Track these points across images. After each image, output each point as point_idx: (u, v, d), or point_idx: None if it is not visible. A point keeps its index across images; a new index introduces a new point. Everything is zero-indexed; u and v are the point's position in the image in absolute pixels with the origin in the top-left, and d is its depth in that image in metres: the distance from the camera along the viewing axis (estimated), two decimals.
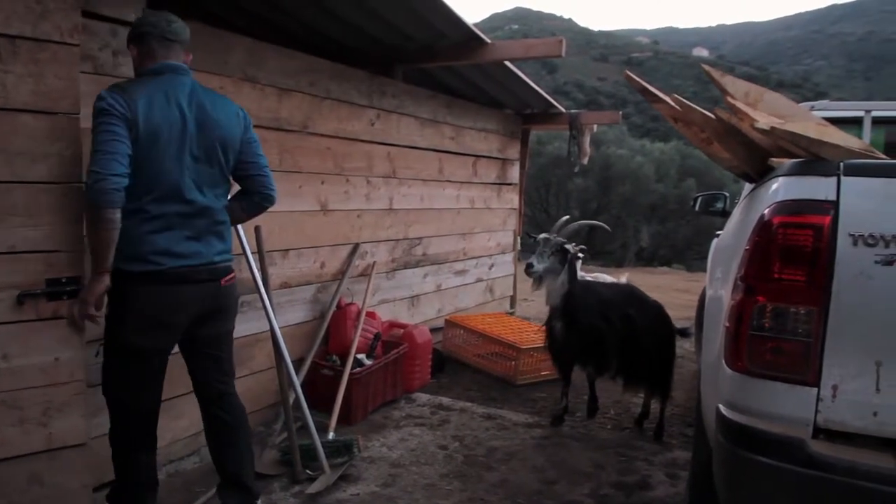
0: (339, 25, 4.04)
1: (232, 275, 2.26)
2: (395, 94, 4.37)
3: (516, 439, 3.44)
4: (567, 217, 3.68)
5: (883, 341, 1.54)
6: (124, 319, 2.04)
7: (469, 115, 5.35)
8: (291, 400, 2.98)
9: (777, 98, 2.10)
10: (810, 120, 2.02)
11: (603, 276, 5.67)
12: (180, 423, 2.86)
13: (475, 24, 4.04)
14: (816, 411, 1.56)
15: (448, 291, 5.32)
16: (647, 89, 2.33)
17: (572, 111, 6.45)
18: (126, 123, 1.91)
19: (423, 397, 4.05)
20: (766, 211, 1.65)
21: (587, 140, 6.31)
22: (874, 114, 3.42)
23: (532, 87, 5.46)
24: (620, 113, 6.67)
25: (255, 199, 2.32)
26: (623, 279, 5.36)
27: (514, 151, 6.24)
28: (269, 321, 2.85)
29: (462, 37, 4.16)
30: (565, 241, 3.39)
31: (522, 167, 6.51)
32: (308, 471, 2.85)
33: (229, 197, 2.29)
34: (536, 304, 6.04)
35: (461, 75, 5.24)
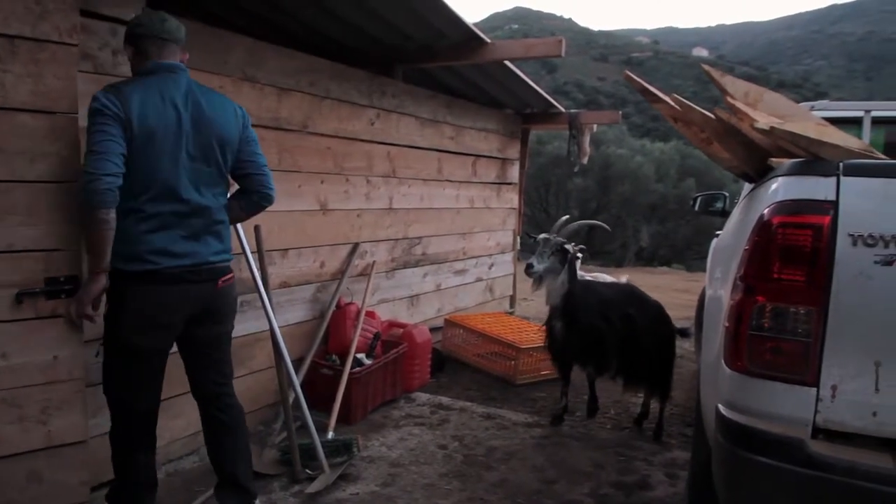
0: (339, 25, 4.04)
1: (230, 276, 2.25)
2: (395, 94, 4.37)
3: (516, 439, 3.44)
4: (567, 217, 3.68)
5: (882, 341, 1.54)
6: (122, 319, 2.04)
7: (469, 115, 5.35)
8: (291, 399, 2.98)
9: (777, 98, 2.11)
10: (810, 120, 2.02)
11: (602, 275, 5.67)
12: (179, 422, 2.86)
13: (475, 24, 4.04)
14: (816, 411, 1.56)
15: (448, 291, 5.32)
16: (646, 89, 2.32)
17: (572, 111, 6.45)
18: (120, 123, 1.91)
19: (422, 397, 4.05)
20: (765, 211, 1.65)
21: (587, 140, 6.31)
22: (874, 114, 3.42)
23: (532, 87, 5.46)
24: (620, 113, 6.67)
25: (253, 199, 2.31)
26: (623, 279, 5.36)
27: (513, 151, 6.24)
28: (268, 321, 2.86)
29: (462, 37, 4.16)
30: (565, 241, 3.39)
31: (522, 167, 6.51)
32: (307, 470, 2.85)
33: (228, 196, 2.28)
34: (536, 304, 6.04)
35: (461, 75, 5.24)
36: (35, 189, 1.96)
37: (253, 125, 2.33)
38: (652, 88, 2.33)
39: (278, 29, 4.08)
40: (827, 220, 1.56)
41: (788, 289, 1.60)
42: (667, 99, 2.33)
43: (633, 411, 3.91)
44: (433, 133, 4.87)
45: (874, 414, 1.54)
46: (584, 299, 3.42)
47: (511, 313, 6.22)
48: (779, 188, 1.67)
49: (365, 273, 4.21)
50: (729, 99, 1.94)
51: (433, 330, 4.56)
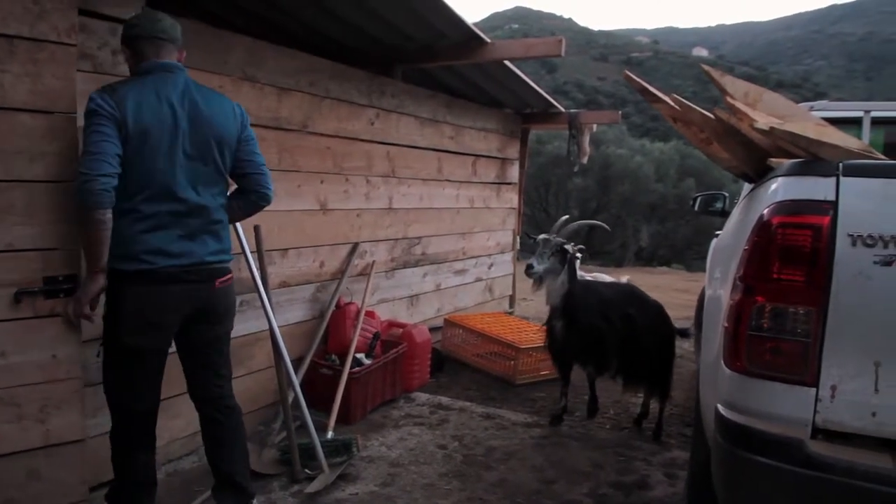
0: (339, 25, 4.04)
1: (227, 277, 2.24)
2: (394, 94, 4.37)
3: (515, 439, 3.44)
4: (566, 217, 3.68)
5: (882, 342, 1.54)
6: (120, 319, 2.04)
7: (469, 115, 5.35)
8: (290, 399, 2.98)
9: (776, 98, 2.11)
10: (809, 120, 2.02)
11: (602, 275, 5.67)
12: (179, 422, 2.86)
13: (475, 24, 4.04)
14: (815, 411, 1.56)
15: (447, 291, 5.32)
16: (646, 89, 2.32)
17: (572, 111, 6.45)
18: (115, 123, 1.91)
19: (422, 397, 4.05)
20: (765, 211, 1.65)
21: (587, 139, 6.31)
22: (873, 114, 3.42)
23: (532, 87, 5.46)
24: (620, 112, 6.67)
25: (251, 198, 2.30)
26: (624, 279, 5.36)
27: (513, 151, 6.24)
28: (268, 320, 2.85)
29: (462, 36, 4.16)
30: (565, 241, 3.39)
31: (522, 166, 6.50)
32: (307, 470, 2.85)
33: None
34: (535, 304, 6.04)
35: (461, 75, 5.24)
36: (34, 189, 1.96)
37: (253, 125, 2.32)
38: (651, 88, 2.33)
39: (278, 29, 4.08)
40: (826, 220, 1.56)
41: (788, 289, 1.60)
42: (666, 99, 2.33)
43: (632, 411, 3.91)
44: (433, 133, 4.87)
45: (873, 414, 1.54)
46: (584, 299, 3.42)
47: (510, 313, 6.22)
48: (778, 188, 1.67)
49: (364, 273, 4.21)
50: (728, 99, 1.94)
51: (433, 330, 4.56)
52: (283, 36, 4.02)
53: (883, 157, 1.91)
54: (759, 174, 2.11)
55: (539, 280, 3.39)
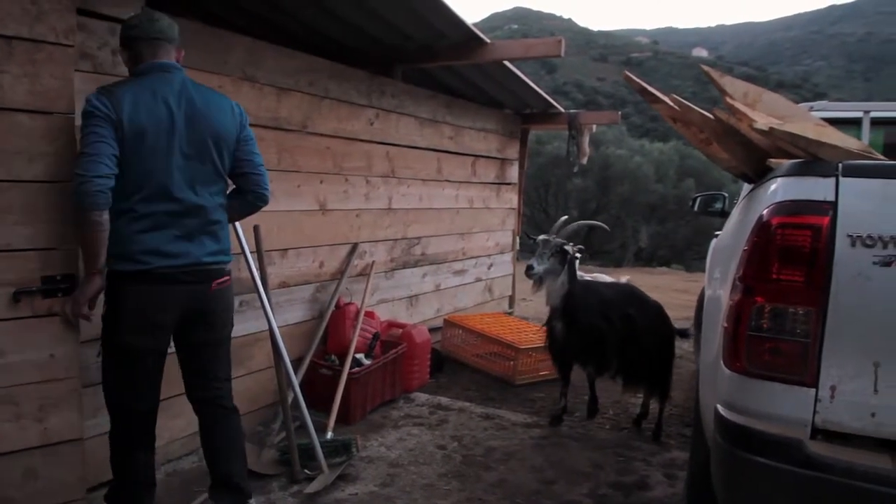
0: (339, 25, 4.04)
1: (225, 278, 2.22)
2: (394, 94, 4.37)
3: (515, 439, 3.44)
4: (566, 217, 3.68)
5: (881, 342, 1.54)
6: (117, 319, 2.04)
7: (468, 115, 5.35)
8: (290, 399, 2.98)
9: (776, 98, 2.10)
10: (809, 120, 2.02)
11: (602, 276, 5.67)
12: (178, 422, 2.85)
13: (475, 24, 4.04)
14: (814, 412, 1.56)
15: (447, 291, 5.32)
16: (646, 89, 2.32)
17: (571, 111, 6.45)
18: (111, 124, 1.91)
19: (421, 397, 4.05)
20: (764, 211, 1.65)
21: (586, 140, 6.31)
22: (873, 114, 3.43)
23: (531, 87, 5.46)
24: (619, 113, 6.68)
25: (248, 199, 2.29)
26: (624, 280, 5.36)
27: (513, 151, 6.24)
28: (267, 321, 2.85)
29: (462, 37, 4.16)
30: (564, 241, 3.39)
31: (521, 167, 6.50)
32: (306, 470, 2.85)
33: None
34: (535, 304, 6.03)
35: (461, 75, 5.24)
36: (32, 189, 1.96)
37: (252, 125, 2.32)
38: (651, 89, 2.33)
39: (278, 29, 4.07)
40: (826, 220, 1.55)
41: (787, 289, 1.60)
42: (666, 99, 2.32)
43: (632, 412, 3.91)
44: (432, 133, 4.86)
45: (873, 415, 1.54)
46: (584, 300, 3.42)
47: (510, 313, 6.22)
48: (778, 189, 1.67)
49: (364, 273, 4.21)
50: (728, 99, 1.94)
51: (432, 330, 4.56)
52: (283, 36, 4.02)
53: (882, 157, 1.91)
54: (759, 174, 2.11)
55: (539, 281, 3.39)
